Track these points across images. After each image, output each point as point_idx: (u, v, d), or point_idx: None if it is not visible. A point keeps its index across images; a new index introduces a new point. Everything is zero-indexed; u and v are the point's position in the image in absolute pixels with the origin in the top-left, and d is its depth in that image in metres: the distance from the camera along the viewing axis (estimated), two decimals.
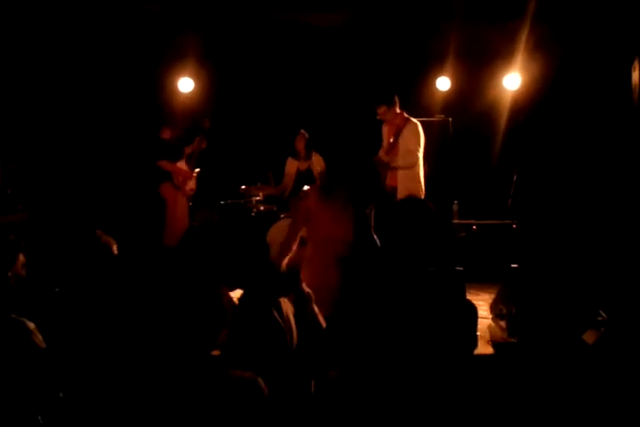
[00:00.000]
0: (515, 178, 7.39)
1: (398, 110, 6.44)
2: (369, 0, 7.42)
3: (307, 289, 2.93)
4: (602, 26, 7.14)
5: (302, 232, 2.81)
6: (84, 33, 7.48)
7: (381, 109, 6.41)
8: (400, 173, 6.33)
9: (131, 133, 7.79)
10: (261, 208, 7.78)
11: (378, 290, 2.18)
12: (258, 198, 7.77)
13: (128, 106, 8.00)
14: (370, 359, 2.06)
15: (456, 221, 7.38)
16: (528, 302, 3.80)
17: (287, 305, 2.76)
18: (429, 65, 8.21)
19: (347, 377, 2.11)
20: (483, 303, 5.28)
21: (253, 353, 2.30)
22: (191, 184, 7.17)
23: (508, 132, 8.10)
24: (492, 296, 4.90)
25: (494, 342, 3.86)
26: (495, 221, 7.18)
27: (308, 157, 7.87)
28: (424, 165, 6.46)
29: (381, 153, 6.63)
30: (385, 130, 6.65)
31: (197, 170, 7.25)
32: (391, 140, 6.48)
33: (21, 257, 2.44)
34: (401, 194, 6.29)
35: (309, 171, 7.85)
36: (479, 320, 4.67)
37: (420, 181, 6.40)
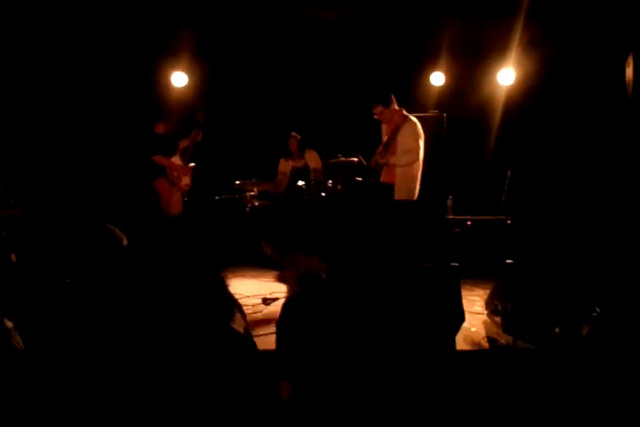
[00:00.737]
0: (509, 173, 7.40)
1: (396, 107, 6.42)
2: None
3: None
4: (596, 22, 7.15)
5: None
6: (78, 27, 7.45)
7: (377, 109, 6.38)
8: (398, 171, 6.32)
9: (125, 128, 7.76)
10: (256, 204, 7.79)
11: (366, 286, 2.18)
12: (252, 194, 7.78)
13: (121, 100, 7.97)
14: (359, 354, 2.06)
15: (450, 216, 7.39)
16: (523, 298, 3.81)
17: None
18: (424, 60, 8.22)
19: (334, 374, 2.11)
20: (478, 299, 5.29)
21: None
22: (186, 179, 7.15)
23: (502, 128, 8.12)
24: (487, 292, 4.91)
25: (490, 338, 3.87)
26: (490, 217, 7.19)
27: (302, 155, 7.90)
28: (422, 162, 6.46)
29: (379, 150, 6.60)
30: (384, 127, 6.64)
31: (192, 164, 7.22)
32: (390, 139, 6.46)
33: (13, 257, 2.42)
34: (398, 192, 6.29)
35: (306, 167, 7.87)
36: (474, 316, 4.69)
37: (416, 180, 6.39)
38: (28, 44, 7.31)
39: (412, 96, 8.05)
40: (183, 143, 7.22)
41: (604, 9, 7.02)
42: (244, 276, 6.54)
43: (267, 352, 4.05)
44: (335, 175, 7.34)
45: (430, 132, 7.39)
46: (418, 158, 6.32)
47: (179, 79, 8.14)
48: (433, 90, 8.26)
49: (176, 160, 7.11)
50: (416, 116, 6.60)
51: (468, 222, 7.15)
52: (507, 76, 7.90)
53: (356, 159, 7.23)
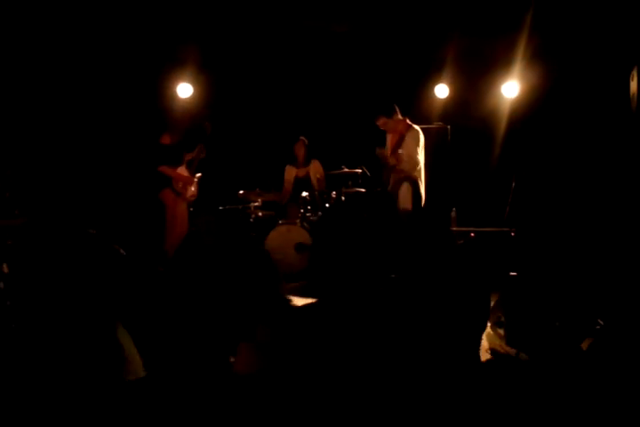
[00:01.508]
0: (513, 185, 7.40)
1: (400, 117, 6.45)
2: (370, 9, 7.44)
3: None
4: (600, 35, 7.18)
5: None
6: (85, 39, 7.50)
7: (381, 121, 6.42)
8: (402, 182, 6.35)
9: (131, 139, 7.79)
10: (260, 214, 7.80)
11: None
12: (256, 204, 7.79)
13: (127, 111, 8.00)
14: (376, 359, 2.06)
15: (454, 228, 7.39)
16: (526, 310, 3.81)
17: None
18: (428, 72, 8.25)
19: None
20: None
21: None
22: (192, 190, 7.16)
23: (506, 140, 8.13)
24: (490, 304, 4.90)
25: (493, 350, 3.87)
26: (493, 229, 7.19)
27: (307, 164, 7.91)
28: (425, 171, 6.48)
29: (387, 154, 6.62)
30: (389, 138, 6.66)
31: (199, 175, 7.24)
32: (400, 151, 6.49)
33: (4, 267, 2.42)
34: (402, 201, 6.32)
35: (308, 177, 7.89)
36: None
37: (420, 188, 6.42)
38: (35, 54, 7.36)
39: (417, 108, 8.07)
40: (188, 156, 7.25)
41: (607, 22, 7.05)
42: None
43: None
44: (338, 186, 7.37)
45: (434, 144, 7.42)
46: (418, 162, 6.35)
47: (184, 90, 8.18)
48: (437, 102, 8.29)
49: (182, 171, 7.13)
50: (420, 128, 6.63)
51: (472, 234, 7.15)
52: (511, 89, 7.91)
53: (359, 170, 7.25)
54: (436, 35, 7.87)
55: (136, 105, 8.02)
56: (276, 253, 7.24)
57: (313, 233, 7.16)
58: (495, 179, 7.97)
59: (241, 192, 7.77)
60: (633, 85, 6.61)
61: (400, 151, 6.45)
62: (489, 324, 4.50)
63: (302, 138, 7.88)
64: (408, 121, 6.49)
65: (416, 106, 8.10)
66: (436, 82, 8.20)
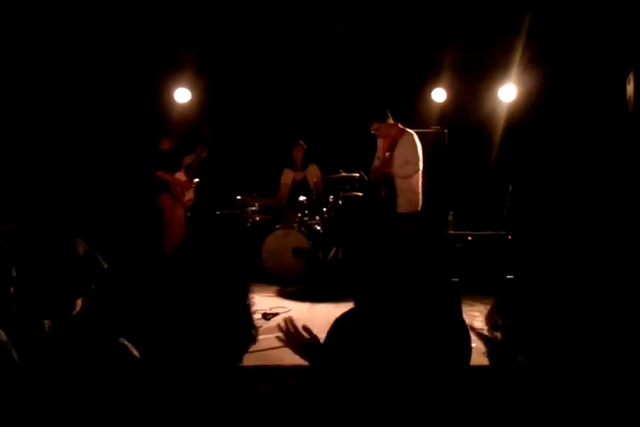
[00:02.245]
0: (510, 189, 7.40)
1: (392, 122, 6.46)
2: (368, 14, 7.45)
3: None
4: (597, 39, 7.19)
5: None
6: (83, 45, 7.51)
7: (374, 126, 6.43)
8: (398, 184, 6.34)
9: (129, 144, 7.79)
10: (257, 218, 7.80)
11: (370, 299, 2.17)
12: (254, 208, 7.79)
13: (126, 116, 8.01)
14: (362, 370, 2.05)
15: (451, 231, 7.39)
16: (523, 313, 3.80)
17: None
18: (426, 77, 8.25)
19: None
20: (478, 314, 5.28)
21: None
22: (190, 195, 7.17)
23: (503, 144, 8.13)
24: (488, 307, 4.89)
25: (490, 354, 3.86)
26: (491, 232, 7.19)
27: (305, 168, 7.92)
28: (422, 175, 6.48)
29: (376, 163, 6.65)
30: (380, 142, 6.67)
31: (196, 180, 7.25)
32: (387, 153, 6.49)
33: (13, 272, 2.41)
34: (401, 205, 6.31)
35: (305, 181, 7.89)
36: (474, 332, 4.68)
37: (418, 192, 6.42)
38: (33, 59, 7.37)
39: (414, 112, 8.09)
40: (188, 160, 7.25)
41: (604, 27, 7.07)
42: None
43: (267, 367, 4.06)
44: (336, 190, 7.37)
45: (432, 148, 7.43)
46: (418, 169, 6.35)
47: (182, 95, 8.19)
48: (435, 106, 8.29)
49: (180, 176, 7.14)
50: (417, 132, 6.64)
51: (469, 238, 7.15)
52: (508, 93, 7.92)
53: (357, 175, 7.26)
54: (434, 39, 7.87)
55: (134, 110, 8.03)
56: (274, 258, 7.24)
57: (315, 239, 7.17)
58: (492, 182, 7.97)
59: (238, 197, 7.77)
60: (629, 89, 6.62)
61: (387, 154, 6.45)
62: (486, 327, 4.50)
63: (301, 142, 7.89)
64: (400, 125, 6.50)
65: (414, 110, 8.12)
66: (434, 86, 8.21)
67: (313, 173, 7.89)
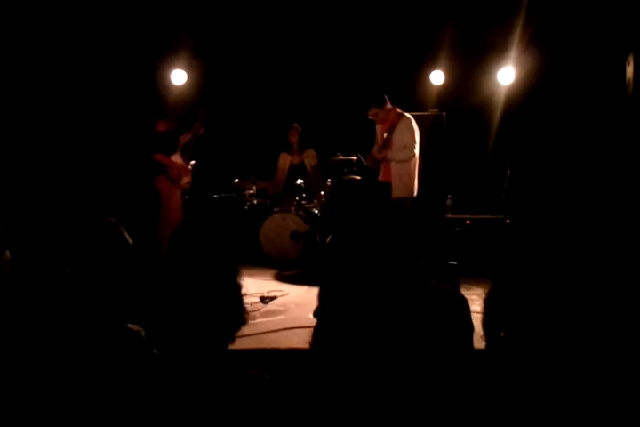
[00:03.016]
0: (508, 172, 7.39)
1: (390, 106, 6.42)
2: None
3: None
4: (596, 21, 7.14)
5: None
6: (78, 28, 7.44)
7: (372, 111, 6.38)
8: (394, 168, 6.31)
9: (126, 126, 7.75)
10: (255, 202, 7.79)
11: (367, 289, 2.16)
12: (251, 192, 7.77)
13: (122, 98, 7.96)
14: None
15: (450, 215, 7.39)
16: (520, 299, 3.79)
17: None
18: (423, 59, 8.20)
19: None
20: (476, 298, 5.26)
21: None
22: (187, 178, 7.13)
23: (501, 127, 8.10)
24: (486, 291, 4.90)
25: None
26: (489, 216, 7.18)
27: (301, 151, 7.88)
28: (419, 159, 6.45)
29: (375, 149, 6.61)
30: (378, 127, 6.63)
31: (193, 162, 7.21)
32: (385, 135, 6.46)
33: (7, 253, 2.41)
34: (396, 189, 6.28)
35: (302, 165, 7.86)
36: (473, 315, 4.68)
37: (414, 177, 6.38)
38: (28, 44, 7.30)
39: (412, 95, 8.05)
40: (184, 139, 7.20)
41: (604, 8, 7.01)
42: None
43: (266, 351, 4.06)
44: (334, 174, 7.34)
45: (430, 131, 7.39)
46: (413, 155, 6.31)
47: (178, 77, 8.13)
48: (433, 89, 8.25)
49: (176, 159, 7.10)
50: (415, 115, 6.60)
51: (467, 221, 7.15)
52: (507, 75, 7.87)
53: (355, 158, 7.23)
54: (432, 21, 7.82)
55: (131, 92, 7.97)
56: (272, 241, 7.24)
57: (313, 223, 7.15)
58: (491, 166, 7.95)
59: (236, 180, 7.75)
60: (629, 71, 6.59)
61: (385, 135, 6.42)
62: (483, 310, 4.48)
63: (295, 125, 7.84)
64: (398, 109, 6.46)
65: (411, 93, 8.08)
66: (432, 68, 8.16)
67: (310, 157, 7.87)
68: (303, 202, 7.40)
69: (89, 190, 7.49)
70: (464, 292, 5.35)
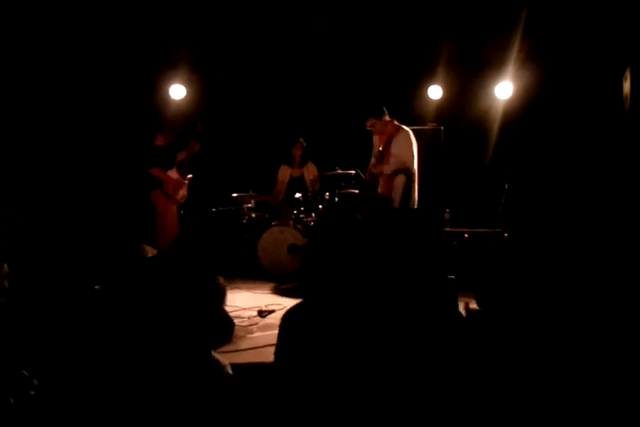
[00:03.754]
0: (506, 186, 7.39)
1: (388, 118, 6.44)
2: (364, 11, 7.43)
3: None
4: (593, 36, 7.18)
5: None
6: (78, 42, 7.48)
7: (370, 122, 6.41)
8: (394, 181, 6.32)
9: (123, 140, 7.76)
10: (253, 215, 7.77)
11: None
12: (249, 205, 7.76)
13: (121, 112, 7.97)
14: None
15: (448, 229, 7.38)
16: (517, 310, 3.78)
17: None
18: (422, 74, 8.24)
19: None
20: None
21: None
22: (183, 192, 7.13)
23: (499, 141, 8.12)
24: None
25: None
26: (487, 230, 7.18)
27: (302, 165, 7.88)
28: (418, 173, 6.46)
29: (373, 162, 6.62)
30: (376, 138, 6.65)
31: (190, 176, 7.21)
32: (381, 148, 6.48)
33: (5, 267, 2.40)
34: (396, 202, 6.29)
35: (302, 178, 7.86)
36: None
37: (414, 189, 6.39)
38: (28, 56, 7.33)
39: (410, 109, 8.07)
40: (181, 156, 7.20)
41: (601, 23, 7.06)
42: (239, 288, 6.50)
43: (264, 365, 4.03)
44: (332, 188, 7.34)
45: (428, 145, 7.41)
46: (412, 167, 6.33)
47: (177, 91, 8.15)
48: (431, 103, 8.28)
49: (172, 174, 7.08)
50: (413, 129, 6.62)
51: (466, 235, 7.14)
52: (504, 90, 7.91)
53: (353, 172, 7.24)
54: (430, 36, 7.86)
55: (129, 106, 7.99)
56: (270, 255, 7.22)
57: (309, 235, 7.13)
58: (489, 180, 7.96)
59: (234, 194, 7.74)
60: (626, 86, 6.63)
61: (381, 148, 6.44)
62: None
63: (301, 140, 7.84)
64: (396, 122, 6.48)
65: (410, 107, 8.10)
66: (430, 83, 8.20)
67: (310, 170, 7.87)
68: (301, 215, 7.39)
69: (86, 203, 7.49)
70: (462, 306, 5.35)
